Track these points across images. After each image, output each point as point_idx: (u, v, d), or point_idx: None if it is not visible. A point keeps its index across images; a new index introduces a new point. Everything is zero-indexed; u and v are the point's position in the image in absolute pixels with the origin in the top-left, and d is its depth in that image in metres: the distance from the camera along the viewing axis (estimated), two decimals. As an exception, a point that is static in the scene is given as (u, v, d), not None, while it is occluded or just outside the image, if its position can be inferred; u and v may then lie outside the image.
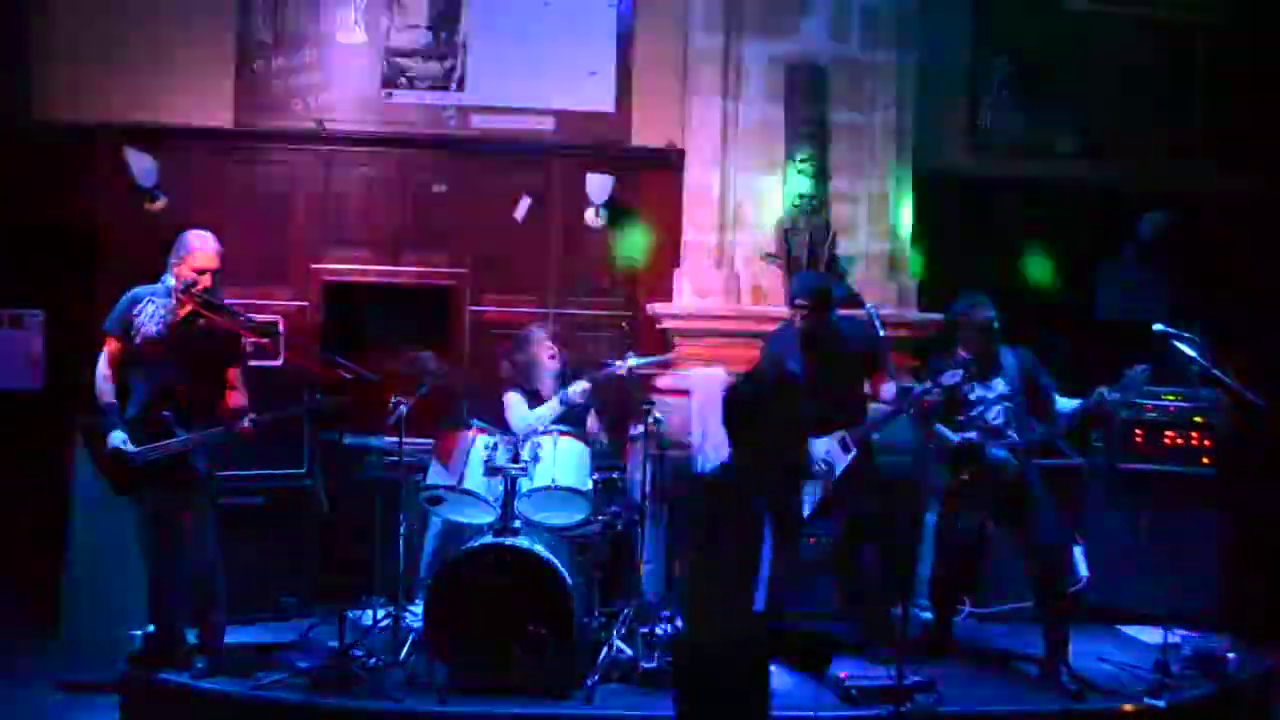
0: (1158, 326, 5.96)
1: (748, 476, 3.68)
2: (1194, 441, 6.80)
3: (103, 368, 5.37)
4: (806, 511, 5.97)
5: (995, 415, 5.90)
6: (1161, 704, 5.40)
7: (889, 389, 5.89)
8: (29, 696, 5.74)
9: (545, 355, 6.30)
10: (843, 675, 5.49)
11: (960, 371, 5.73)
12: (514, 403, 6.32)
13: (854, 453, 5.90)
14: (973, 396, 5.91)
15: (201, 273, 5.34)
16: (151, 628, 5.46)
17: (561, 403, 6.12)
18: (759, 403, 3.71)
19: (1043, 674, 5.74)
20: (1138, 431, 6.97)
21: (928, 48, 7.71)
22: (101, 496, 5.46)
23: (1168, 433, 6.93)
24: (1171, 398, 6.82)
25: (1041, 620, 5.84)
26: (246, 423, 5.34)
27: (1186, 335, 5.84)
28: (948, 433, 5.88)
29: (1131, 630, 6.59)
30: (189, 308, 5.34)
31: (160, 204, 7.31)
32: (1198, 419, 6.81)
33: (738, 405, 3.73)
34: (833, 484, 5.91)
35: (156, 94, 7.37)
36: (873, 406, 6.05)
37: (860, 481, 5.95)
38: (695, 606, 3.82)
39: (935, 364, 5.97)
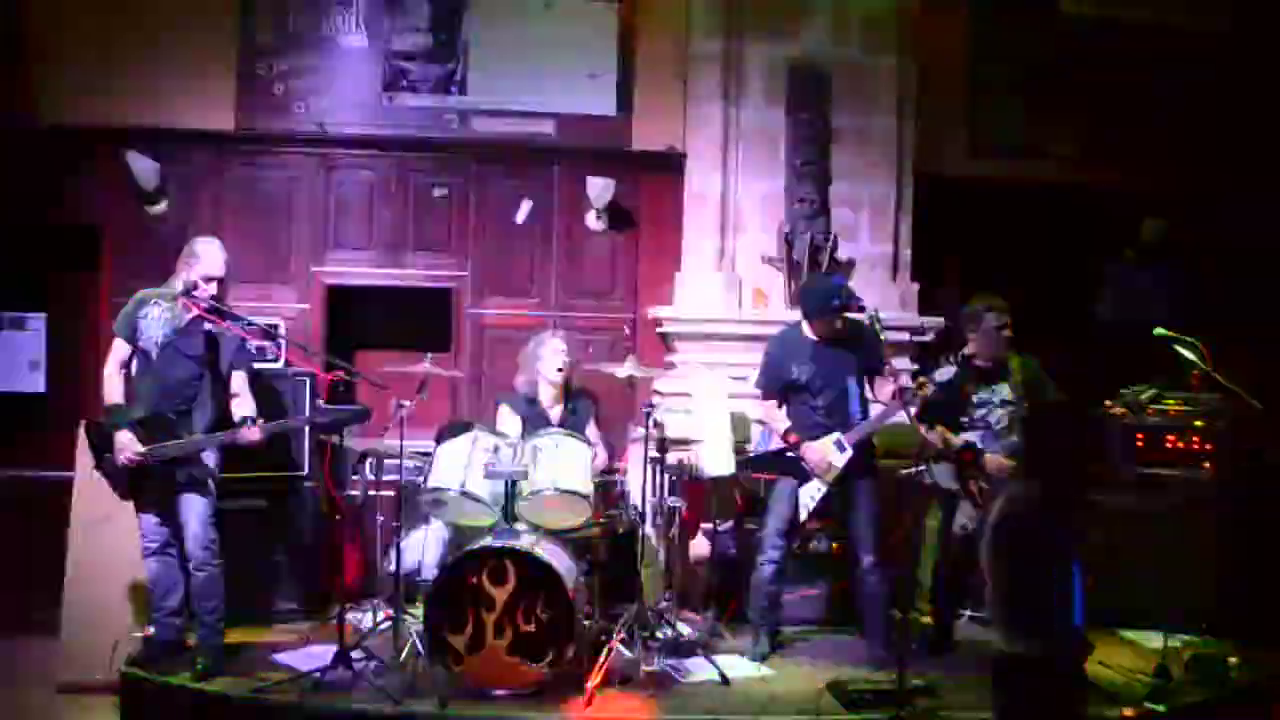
0: (1158, 330, 5.96)
1: (1055, 503, 3.89)
2: (1194, 445, 6.79)
3: (110, 369, 5.43)
4: (804, 515, 5.99)
5: (998, 419, 5.92)
6: (1162, 709, 5.39)
7: (888, 390, 5.89)
8: (28, 698, 5.75)
9: (552, 365, 6.29)
10: (842, 679, 5.49)
11: (954, 369, 5.74)
12: (503, 415, 6.34)
13: (850, 454, 5.91)
14: (976, 399, 5.93)
15: (209, 280, 5.40)
16: (152, 630, 5.49)
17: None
18: (1053, 435, 4.04)
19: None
20: (1139, 436, 6.98)
21: (928, 52, 7.72)
22: (104, 499, 5.46)
23: (1168, 436, 6.94)
24: (1172, 402, 6.82)
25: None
26: (256, 432, 5.35)
27: (1187, 339, 5.84)
28: (949, 435, 5.89)
29: (1133, 635, 6.59)
30: (194, 312, 5.38)
31: (162, 207, 7.33)
32: (1198, 423, 6.80)
33: (1038, 440, 4.07)
34: (830, 485, 5.93)
35: (158, 97, 7.36)
36: (871, 408, 6.05)
37: (858, 483, 5.98)
38: (1019, 623, 3.94)
39: (935, 361, 6.00)
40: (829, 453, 5.89)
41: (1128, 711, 5.39)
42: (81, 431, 5.52)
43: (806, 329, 6.06)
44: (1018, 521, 3.93)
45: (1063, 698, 3.90)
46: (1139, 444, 6.96)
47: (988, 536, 4.00)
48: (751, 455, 6.72)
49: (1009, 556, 3.92)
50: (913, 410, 5.60)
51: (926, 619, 6.29)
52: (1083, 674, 4.05)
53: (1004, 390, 5.94)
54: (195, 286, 5.37)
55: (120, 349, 5.43)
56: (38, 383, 7.24)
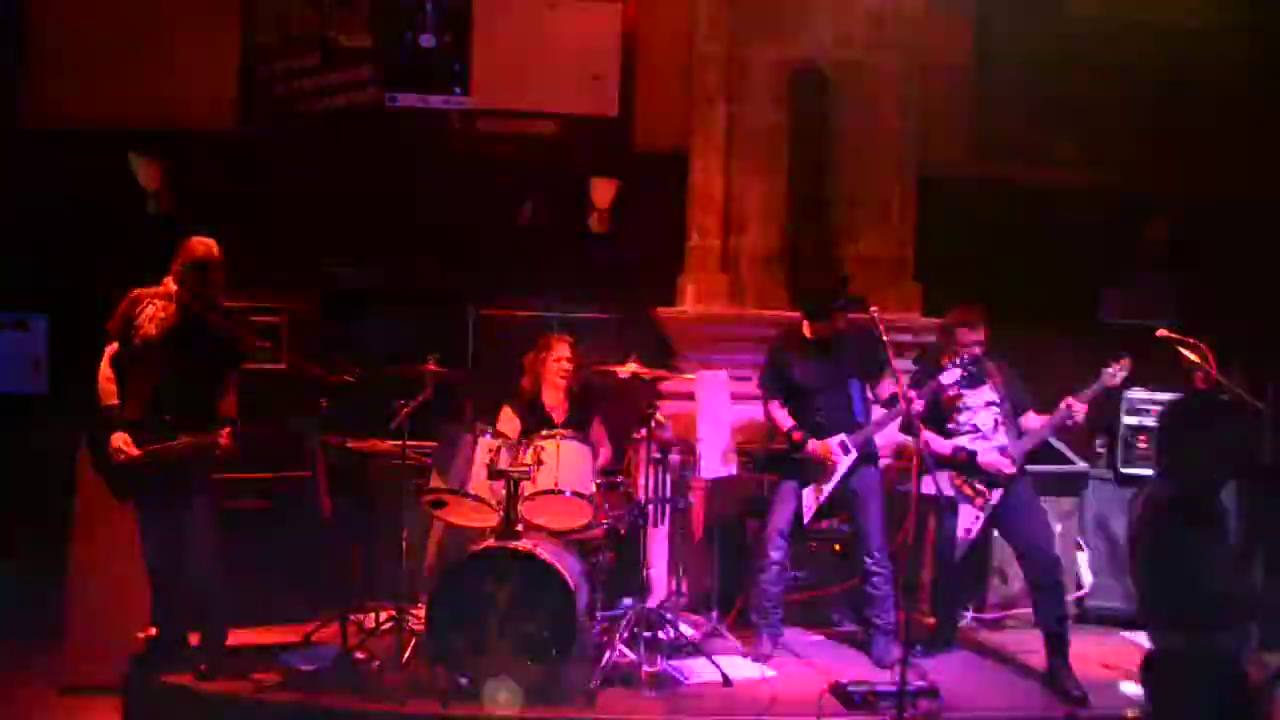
0: (1161, 331, 5.96)
1: (1190, 501, 3.82)
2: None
3: (104, 369, 5.38)
4: (808, 516, 6.00)
5: (985, 420, 5.95)
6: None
7: (889, 392, 5.90)
8: (31, 698, 5.75)
9: (556, 366, 6.30)
10: (843, 681, 5.49)
11: (959, 370, 5.76)
12: (505, 416, 6.36)
13: (853, 455, 5.92)
14: (959, 404, 5.96)
15: (204, 279, 5.35)
16: (154, 630, 5.48)
17: None
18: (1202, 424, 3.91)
19: (1045, 680, 5.74)
20: (1141, 437, 6.99)
21: (932, 51, 7.71)
22: (105, 499, 5.45)
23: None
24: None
25: (1041, 625, 5.83)
26: (224, 438, 5.33)
27: (1190, 340, 5.83)
28: (939, 438, 5.91)
29: (1135, 635, 6.58)
30: (189, 311, 5.34)
31: (165, 207, 7.33)
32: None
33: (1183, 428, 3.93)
34: (834, 487, 5.93)
35: (160, 98, 7.36)
36: (873, 409, 6.06)
37: (862, 483, 5.98)
38: (1166, 620, 3.90)
39: (924, 369, 6.01)
40: (833, 453, 5.90)
41: (1130, 713, 5.38)
42: (83, 434, 5.52)
43: (807, 329, 6.07)
44: (1156, 520, 3.88)
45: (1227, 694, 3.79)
46: (1141, 444, 6.99)
47: (1130, 535, 3.95)
48: (756, 455, 6.73)
49: (1150, 556, 3.86)
50: (916, 411, 5.59)
51: (929, 620, 6.29)
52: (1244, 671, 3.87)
53: (986, 392, 5.97)
54: (190, 285, 5.34)
55: (114, 349, 5.39)
56: (39, 384, 7.25)
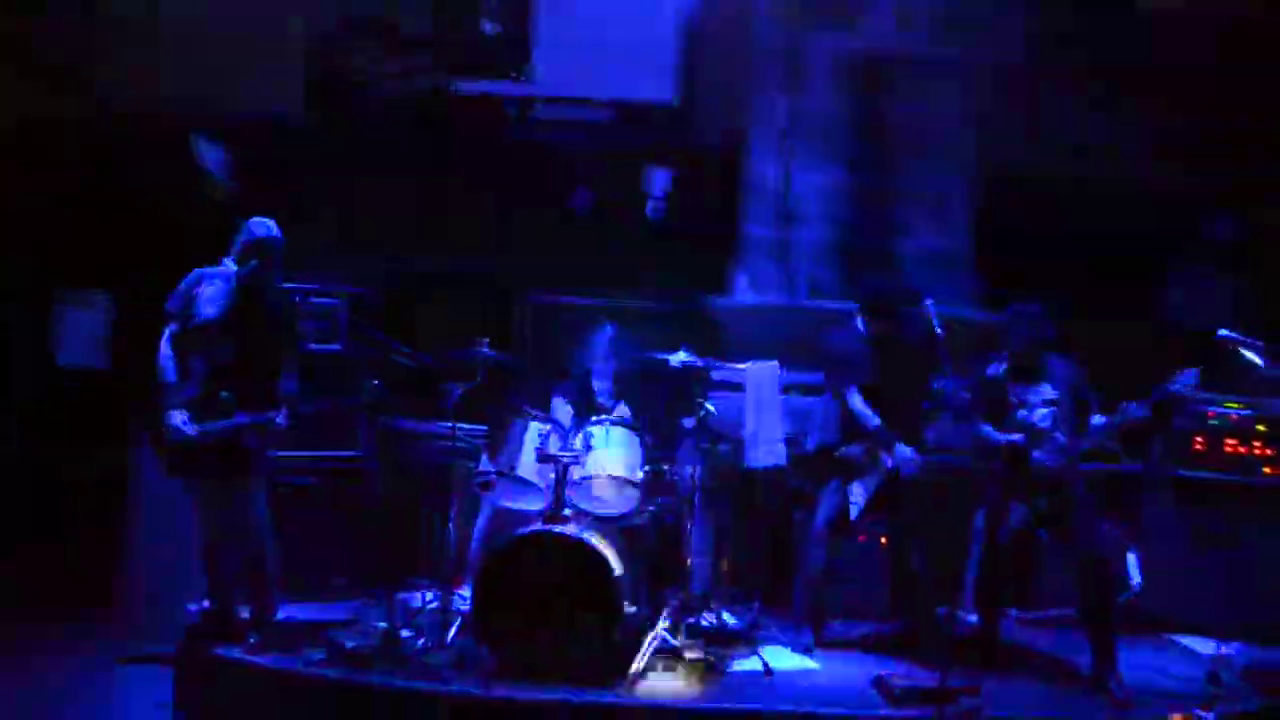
0: (1223, 331, 5.87)
1: None
2: (1256, 450, 6.67)
3: (164, 347, 5.46)
4: (855, 512, 5.98)
5: (1041, 418, 5.86)
6: (1211, 716, 5.31)
7: (945, 388, 5.86)
8: (86, 668, 5.90)
9: (607, 353, 6.33)
10: (886, 674, 5.48)
11: (1004, 367, 5.71)
12: (556, 403, 6.39)
13: (910, 455, 5.89)
14: (1017, 399, 5.88)
15: (264, 258, 5.44)
16: (207, 603, 5.59)
17: None
18: None
19: (1090, 681, 5.68)
20: (1197, 439, 6.86)
21: (993, 45, 7.63)
22: (161, 475, 5.57)
23: (1229, 440, 6.82)
24: (1234, 405, 6.69)
25: (1087, 626, 5.78)
26: (281, 418, 5.43)
27: (1251, 341, 5.74)
28: (994, 433, 5.84)
29: (1184, 640, 6.51)
30: (249, 291, 5.44)
31: (228, 190, 7.44)
32: (1260, 427, 6.67)
33: None
34: (883, 483, 5.91)
35: (226, 82, 7.46)
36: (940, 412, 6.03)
37: (910, 481, 5.96)
38: None
39: (980, 364, 5.95)
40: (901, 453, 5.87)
41: (1176, 718, 5.33)
42: (142, 410, 5.63)
43: (862, 324, 6.05)
44: None
45: None
46: (1197, 446, 6.87)
47: None
48: (807, 450, 6.72)
49: None
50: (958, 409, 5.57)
51: (972, 617, 6.25)
52: None
53: (1046, 390, 5.88)
54: (250, 265, 5.43)
55: (174, 327, 5.47)
56: (101, 359, 7.40)
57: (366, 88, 7.79)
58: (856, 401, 6.07)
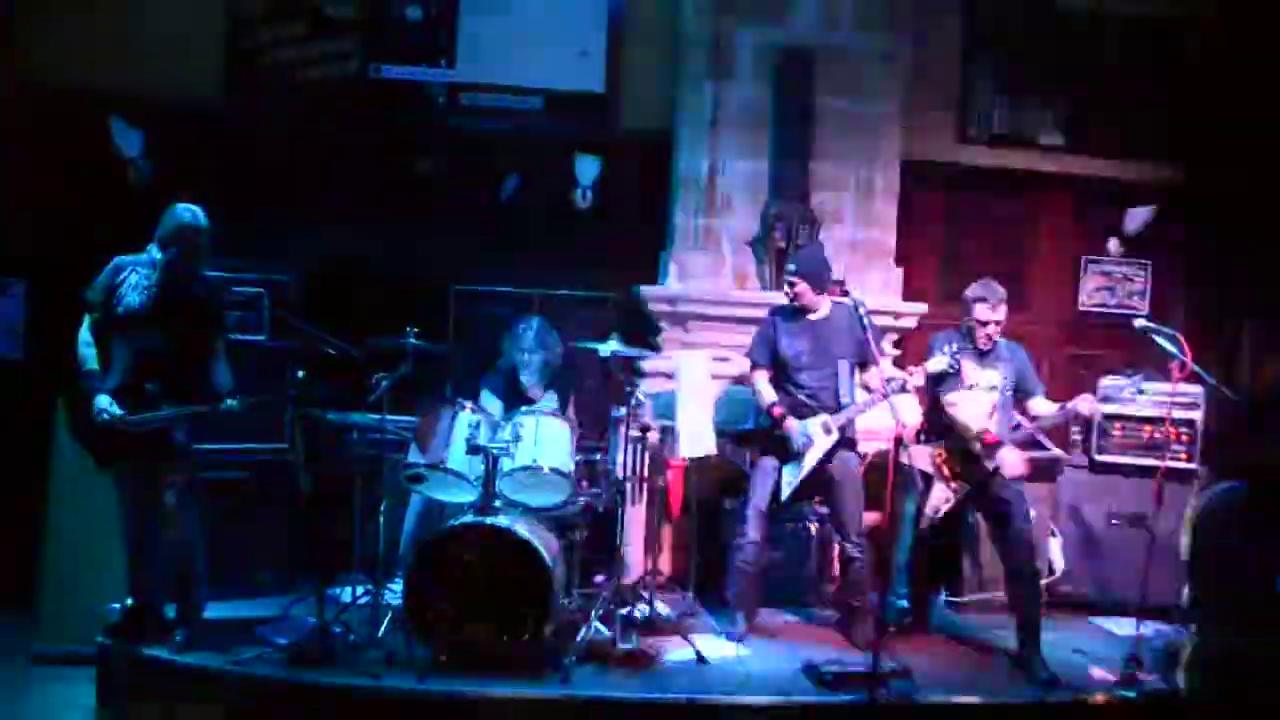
0: (1139, 321, 6.00)
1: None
2: (1171, 436, 6.84)
3: (85, 334, 5.33)
4: (786, 494, 6.02)
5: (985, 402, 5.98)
6: (1133, 695, 5.46)
7: (875, 376, 5.91)
8: (3, 668, 5.74)
9: (536, 344, 6.29)
10: (817, 660, 5.53)
11: (946, 358, 5.79)
12: (484, 394, 6.37)
13: (835, 436, 5.94)
14: (971, 383, 5.97)
15: (187, 246, 5.32)
16: (130, 601, 5.45)
17: None
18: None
19: (1016, 663, 5.79)
20: (1116, 425, 7.06)
21: (918, 37, 7.71)
22: (81, 468, 5.43)
23: (1145, 427, 7.01)
24: (1149, 392, 6.84)
25: (1014, 609, 5.89)
26: (235, 403, 5.32)
27: (1167, 330, 5.87)
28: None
29: (1105, 622, 6.66)
30: (172, 280, 5.31)
31: (144, 174, 7.27)
32: (1176, 414, 6.83)
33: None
34: (813, 465, 5.95)
35: (144, 64, 7.28)
36: (856, 393, 6.07)
37: (840, 464, 6.02)
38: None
39: (933, 344, 6.01)
40: (815, 433, 5.91)
41: (1099, 698, 5.47)
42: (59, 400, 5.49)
43: (787, 296, 6.10)
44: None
45: None
46: (1116, 433, 7.06)
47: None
48: (736, 431, 6.75)
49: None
50: (906, 395, 5.63)
51: (902, 601, 6.34)
52: None
53: (992, 376, 5.98)
54: (173, 254, 5.30)
55: (94, 316, 5.34)
56: (17, 349, 7.20)
57: (288, 72, 7.64)
58: (758, 380, 6.15)
